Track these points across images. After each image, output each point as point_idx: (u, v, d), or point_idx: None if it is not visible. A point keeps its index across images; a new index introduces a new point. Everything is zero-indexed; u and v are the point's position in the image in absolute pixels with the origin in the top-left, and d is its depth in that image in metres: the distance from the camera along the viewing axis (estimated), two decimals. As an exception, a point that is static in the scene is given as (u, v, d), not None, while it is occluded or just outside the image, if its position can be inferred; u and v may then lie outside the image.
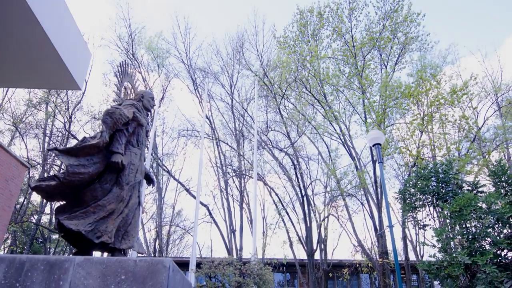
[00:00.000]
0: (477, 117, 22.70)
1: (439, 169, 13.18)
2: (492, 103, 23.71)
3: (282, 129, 26.93)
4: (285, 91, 25.01)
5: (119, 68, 5.56)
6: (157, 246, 26.65)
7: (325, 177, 27.24)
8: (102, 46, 30.00)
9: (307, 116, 25.15)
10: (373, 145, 12.51)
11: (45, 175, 23.12)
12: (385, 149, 19.22)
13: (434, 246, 12.12)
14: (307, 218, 24.10)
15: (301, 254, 26.74)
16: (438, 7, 51.36)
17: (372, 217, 21.13)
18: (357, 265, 22.52)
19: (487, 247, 11.10)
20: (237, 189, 27.82)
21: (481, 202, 11.50)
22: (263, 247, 26.48)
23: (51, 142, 25.64)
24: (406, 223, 17.67)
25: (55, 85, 10.25)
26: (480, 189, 12.44)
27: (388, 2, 21.71)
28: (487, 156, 19.61)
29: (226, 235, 26.13)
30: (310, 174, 27.02)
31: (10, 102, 25.76)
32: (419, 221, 13.74)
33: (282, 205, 26.16)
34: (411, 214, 13.73)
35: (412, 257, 22.69)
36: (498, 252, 11.16)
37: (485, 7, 56.05)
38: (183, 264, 21.88)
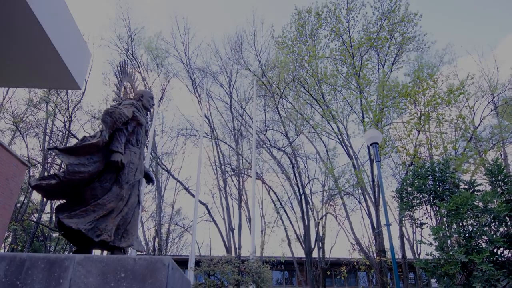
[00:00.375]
0: (473, 117, 22.80)
1: (436, 168, 13.25)
2: (489, 103, 23.79)
3: (280, 129, 27.02)
4: (283, 90, 25.08)
5: (119, 68, 5.58)
6: (156, 244, 26.72)
7: (323, 176, 27.34)
8: (102, 46, 30.03)
9: (305, 116, 25.21)
10: (371, 144, 12.57)
11: (46, 174, 23.15)
12: (382, 148, 19.29)
13: (431, 244, 12.19)
14: (305, 217, 24.19)
15: (299, 252, 26.91)
16: (435, 7, 51.46)
17: (369, 216, 21.20)
18: (355, 263, 22.59)
19: (484, 245, 11.16)
20: (236, 188, 27.89)
21: (477, 201, 11.57)
22: (262, 246, 26.59)
23: (51, 141, 25.70)
24: (403, 222, 17.73)
25: (55, 85, 10.28)
26: (476, 188, 12.51)
27: (385, 3, 21.78)
28: (483, 155, 19.69)
29: (225, 234, 26.21)
30: (308, 173, 27.14)
31: (10, 102, 25.83)
32: (416, 220, 13.81)
33: (281, 204, 26.26)
34: (408, 212, 13.80)
35: (409, 255, 22.81)
36: (495, 250, 11.23)
37: (482, 7, 56.16)
38: (182, 262, 21.98)
